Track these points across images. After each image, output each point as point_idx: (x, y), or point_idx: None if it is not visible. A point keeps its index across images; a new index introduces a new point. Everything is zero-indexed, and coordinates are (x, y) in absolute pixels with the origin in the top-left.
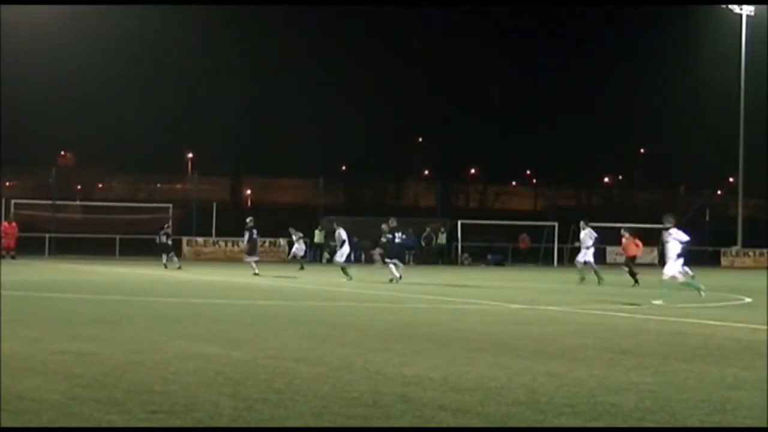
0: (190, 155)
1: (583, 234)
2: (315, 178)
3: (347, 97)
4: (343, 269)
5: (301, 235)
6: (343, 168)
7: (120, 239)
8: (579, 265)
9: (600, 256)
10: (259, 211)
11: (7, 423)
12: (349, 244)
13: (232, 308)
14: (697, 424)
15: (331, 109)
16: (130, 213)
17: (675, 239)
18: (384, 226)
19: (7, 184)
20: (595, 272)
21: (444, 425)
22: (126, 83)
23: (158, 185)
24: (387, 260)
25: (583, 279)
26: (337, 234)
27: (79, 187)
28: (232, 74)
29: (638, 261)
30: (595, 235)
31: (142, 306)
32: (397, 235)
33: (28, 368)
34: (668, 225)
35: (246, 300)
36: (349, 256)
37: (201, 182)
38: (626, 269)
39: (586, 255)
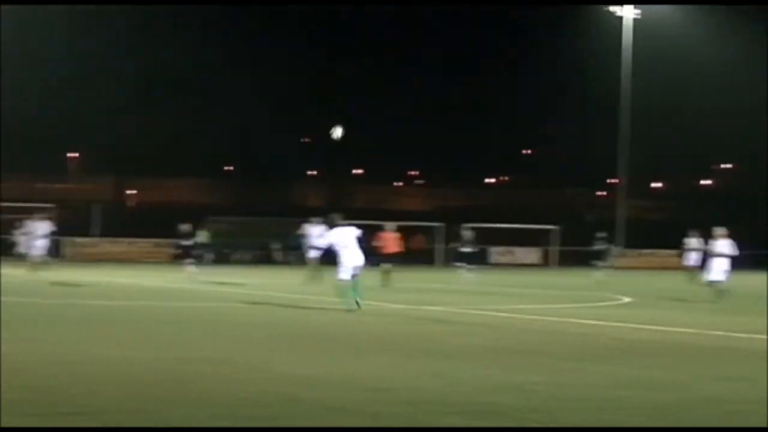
0: (74, 155)
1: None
2: (201, 178)
3: (234, 96)
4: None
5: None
6: (230, 168)
7: None
8: (458, 265)
9: (483, 257)
10: (144, 212)
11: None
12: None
13: (129, 311)
14: (580, 424)
15: (217, 109)
16: (10, 213)
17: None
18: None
19: None
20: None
21: (332, 425)
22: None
23: (39, 185)
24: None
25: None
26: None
27: None
28: (116, 73)
29: (524, 261)
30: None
31: (30, 308)
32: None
33: None
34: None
35: (132, 301)
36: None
37: (84, 182)
38: (384, 267)
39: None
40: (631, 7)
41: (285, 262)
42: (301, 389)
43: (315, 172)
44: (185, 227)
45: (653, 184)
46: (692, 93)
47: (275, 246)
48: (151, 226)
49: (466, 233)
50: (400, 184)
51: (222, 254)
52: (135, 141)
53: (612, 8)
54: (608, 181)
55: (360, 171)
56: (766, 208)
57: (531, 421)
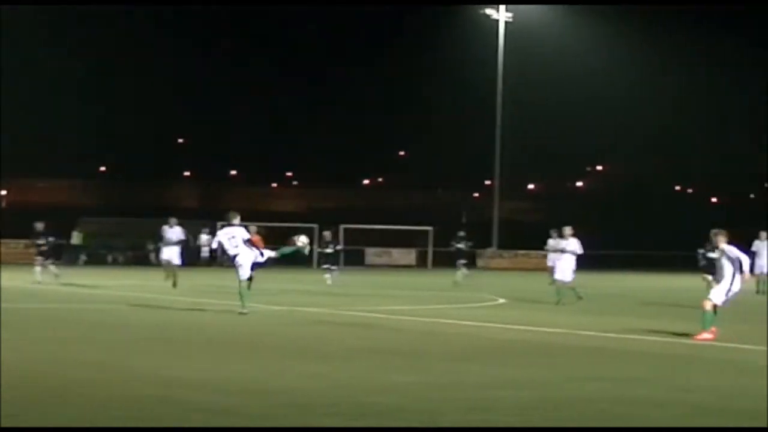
0: None
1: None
2: (75, 178)
3: (108, 97)
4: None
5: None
6: (103, 168)
7: None
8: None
9: (360, 258)
10: (15, 213)
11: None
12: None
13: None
14: (456, 423)
15: (91, 110)
16: None
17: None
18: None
19: None
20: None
21: (206, 426)
22: None
23: None
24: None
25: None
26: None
27: None
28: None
29: (400, 262)
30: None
31: None
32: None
33: None
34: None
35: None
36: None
37: None
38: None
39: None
40: (503, 8)
41: (160, 264)
42: (177, 391)
43: (189, 173)
44: (39, 225)
45: (529, 186)
46: (566, 95)
47: (150, 247)
48: (24, 228)
49: (326, 234)
50: (276, 185)
51: (97, 255)
52: (6, 141)
53: (488, 11)
54: (485, 182)
55: (234, 172)
56: (633, 208)
57: (408, 421)
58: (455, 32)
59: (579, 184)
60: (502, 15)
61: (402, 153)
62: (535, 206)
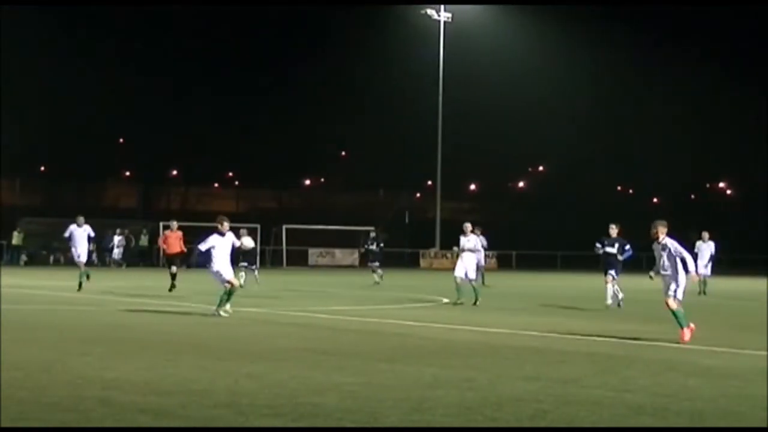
0: None
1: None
2: (12, 178)
3: (47, 95)
4: None
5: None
6: (43, 168)
7: None
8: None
9: (304, 258)
10: None
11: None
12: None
13: None
14: (396, 424)
15: (31, 108)
16: None
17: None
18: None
19: None
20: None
21: (145, 426)
22: None
23: None
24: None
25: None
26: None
27: None
28: None
29: (343, 262)
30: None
31: None
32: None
33: None
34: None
35: None
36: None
37: None
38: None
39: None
40: (443, 8)
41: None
42: (112, 392)
43: (129, 173)
44: None
45: (471, 186)
46: (506, 94)
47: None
48: None
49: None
50: (217, 185)
51: (38, 256)
52: None
53: (428, 11)
54: (427, 182)
55: (175, 172)
56: (573, 208)
57: (350, 422)
58: (396, 32)
59: (520, 184)
60: (442, 15)
61: (343, 153)
62: (474, 206)
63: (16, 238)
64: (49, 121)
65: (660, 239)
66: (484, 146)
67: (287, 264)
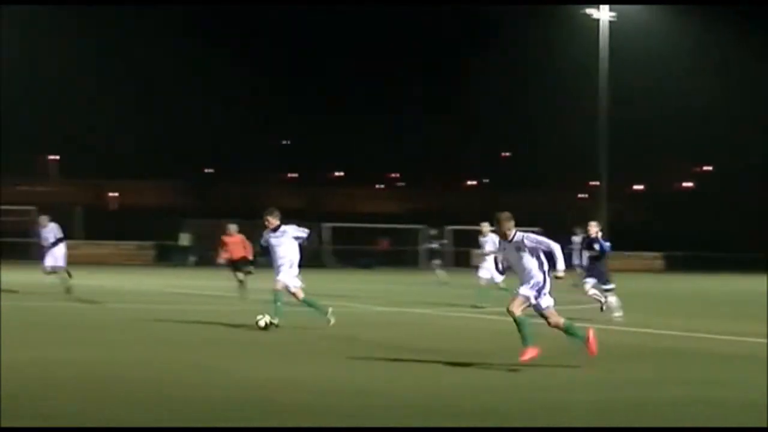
0: (55, 158)
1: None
2: (179, 180)
3: (214, 98)
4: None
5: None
6: (209, 170)
7: None
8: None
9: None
10: (124, 215)
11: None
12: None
13: (113, 312)
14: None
15: (196, 111)
16: None
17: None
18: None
19: None
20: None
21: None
22: None
23: (20, 187)
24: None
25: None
26: None
27: None
28: (97, 75)
29: None
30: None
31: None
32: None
33: None
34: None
35: (121, 304)
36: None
37: (65, 185)
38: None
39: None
40: (607, 8)
41: (262, 265)
42: (274, 393)
43: (296, 175)
44: None
45: (635, 186)
46: (669, 95)
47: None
48: (134, 229)
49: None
50: (382, 186)
51: (206, 257)
52: (117, 144)
53: (588, 10)
54: (589, 183)
55: (341, 174)
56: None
57: (500, 422)
58: (558, 32)
59: (686, 184)
60: (604, 14)
61: (506, 154)
62: (641, 207)
63: (183, 240)
64: (215, 124)
65: (510, 236)
66: (649, 146)
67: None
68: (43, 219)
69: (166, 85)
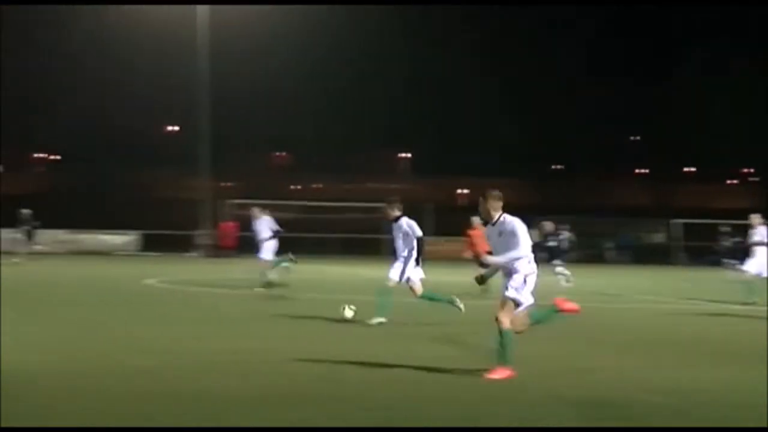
0: (406, 155)
1: None
2: (527, 177)
3: (558, 95)
4: None
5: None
6: (557, 167)
7: (336, 238)
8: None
9: None
10: (473, 212)
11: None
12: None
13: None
14: None
15: (551, 109)
16: (346, 213)
17: None
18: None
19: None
20: None
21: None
22: (337, 84)
23: (371, 185)
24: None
25: None
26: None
27: (293, 187)
28: (453, 74)
29: None
30: None
31: None
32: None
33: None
34: None
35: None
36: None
37: (415, 182)
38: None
39: None
40: None
41: (617, 262)
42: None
43: (646, 171)
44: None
45: None
46: None
47: (607, 245)
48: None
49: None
50: (735, 182)
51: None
52: (464, 143)
53: None
54: None
55: (692, 169)
56: None
57: None
58: None
59: None
60: None
61: None
62: None
63: (531, 236)
64: (563, 119)
65: (494, 218)
66: None
67: None
68: (256, 211)
69: (523, 84)
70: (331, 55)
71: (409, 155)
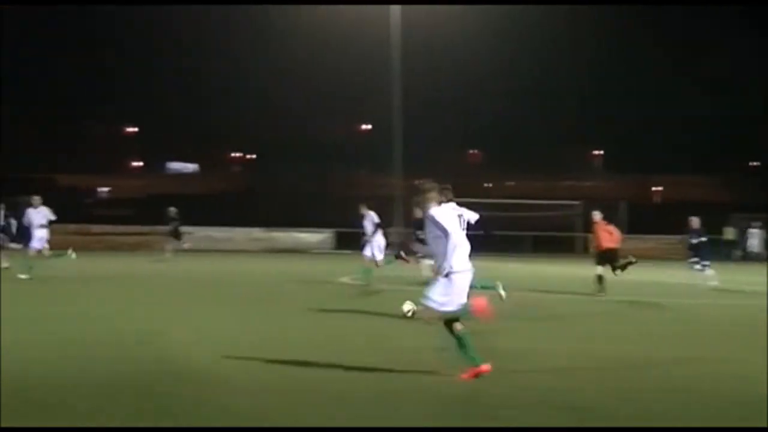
0: (599, 152)
1: None
2: (723, 174)
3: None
4: None
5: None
6: (754, 164)
7: (530, 236)
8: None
9: None
10: (670, 209)
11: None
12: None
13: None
14: None
15: (737, 102)
16: (540, 210)
17: None
18: None
19: (415, 183)
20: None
21: None
22: (528, 82)
23: (565, 182)
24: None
25: None
26: None
27: (487, 185)
28: (644, 71)
29: None
30: None
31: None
32: None
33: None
34: None
35: (660, 298)
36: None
37: (609, 179)
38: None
39: None
40: None
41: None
42: None
43: None
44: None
45: None
46: None
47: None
48: (676, 223)
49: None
50: None
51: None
52: (659, 140)
53: None
54: None
55: None
56: None
57: None
58: None
59: None
60: None
61: None
62: None
63: (728, 233)
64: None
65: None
66: None
67: None
68: (362, 207)
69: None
70: (522, 54)
71: (602, 152)
